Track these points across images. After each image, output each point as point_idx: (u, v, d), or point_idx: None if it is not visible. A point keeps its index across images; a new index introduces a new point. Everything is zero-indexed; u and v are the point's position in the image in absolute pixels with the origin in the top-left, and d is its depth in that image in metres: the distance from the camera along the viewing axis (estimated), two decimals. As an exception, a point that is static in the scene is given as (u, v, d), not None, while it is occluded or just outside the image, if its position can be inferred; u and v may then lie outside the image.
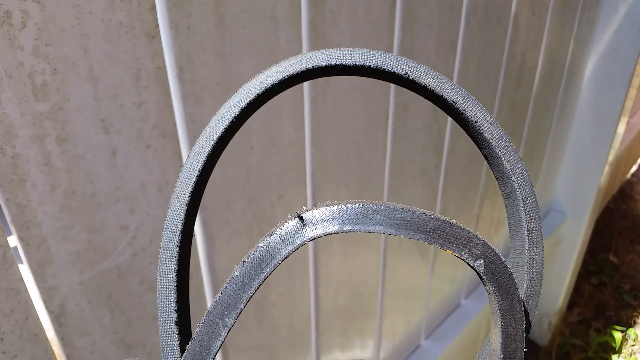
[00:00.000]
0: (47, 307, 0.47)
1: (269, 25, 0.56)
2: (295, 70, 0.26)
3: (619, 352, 1.85)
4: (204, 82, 0.53)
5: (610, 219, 2.42)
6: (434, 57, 0.84)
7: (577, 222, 1.65)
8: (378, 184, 0.85)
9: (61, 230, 0.46)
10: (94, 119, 0.45)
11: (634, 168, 2.76)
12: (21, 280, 0.44)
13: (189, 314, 0.28)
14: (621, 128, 1.51)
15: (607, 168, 1.56)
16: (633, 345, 1.88)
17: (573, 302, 1.99)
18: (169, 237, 0.27)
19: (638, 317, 1.99)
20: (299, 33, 0.60)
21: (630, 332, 1.91)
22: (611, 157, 1.55)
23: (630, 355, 1.84)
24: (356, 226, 0.23)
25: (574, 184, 1.61)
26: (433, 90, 0.26)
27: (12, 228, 0.43)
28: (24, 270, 0.45)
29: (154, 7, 0.46)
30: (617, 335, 1.87)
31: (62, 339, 0.49)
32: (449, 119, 0.96)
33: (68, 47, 0.41)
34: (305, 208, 0.23)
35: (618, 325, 1.94)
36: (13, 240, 0.44)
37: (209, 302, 0.63)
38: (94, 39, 0.43)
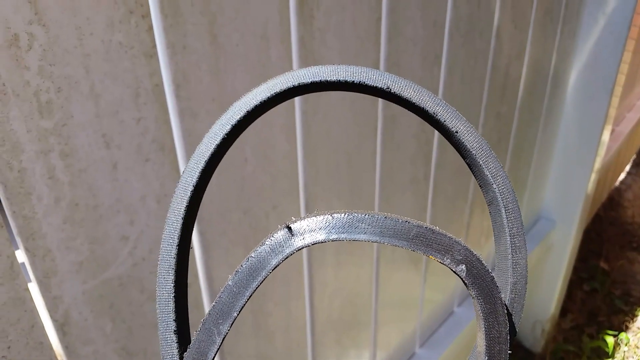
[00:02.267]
0: (51, 316, 0.49)
1: (260, 44, 0.59)
2: (282, 88, 0.27)
3: (612, 356, 1.87)
4: (200, 98, 0.55)
5: (600, 226, 2.46)
6: (420, 70, 0.87)
7: (566, 229, 1.68)
8: (369, 194, 0.87)
9: (65, 241, 0.48)
10: (95, 134, 0.47)
11: (622, 176, 2.80)
12: (27, 290, 0.46)
13: (188, 323, 0.29)
14: (606, 136, 1.55)
15: (593, 176, 1.59)
16: (625, 350, 1.90)
17: (565, 308, 2.01)
18: (167, 249, 0.28)
19: (630, 322, 2.01)
20: (290, 50, 0.63)
21: (622, 336, 1.93)
22: (597, 165, 1.58)
23: (623, 359, 1.86)
24: (342, 235, 0.24)
25: (562, 191, 1.64)
26: (414, 103, 0.28)
27: (18, 240, 0.45)
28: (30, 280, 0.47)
29: (151, 27, 0.48)
30: (610, 340, 1.89)
31: (66, 347, 0.51)
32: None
33: (71, 67, 0.44)
34: (294, 219, 0.25)
35: (610, 330, 1.96)
36: (20, 255, 0.46)
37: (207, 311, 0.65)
38: (95, 58, 0.45)
